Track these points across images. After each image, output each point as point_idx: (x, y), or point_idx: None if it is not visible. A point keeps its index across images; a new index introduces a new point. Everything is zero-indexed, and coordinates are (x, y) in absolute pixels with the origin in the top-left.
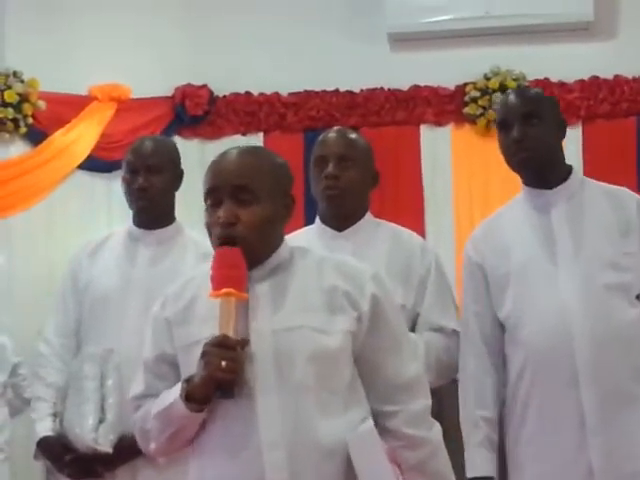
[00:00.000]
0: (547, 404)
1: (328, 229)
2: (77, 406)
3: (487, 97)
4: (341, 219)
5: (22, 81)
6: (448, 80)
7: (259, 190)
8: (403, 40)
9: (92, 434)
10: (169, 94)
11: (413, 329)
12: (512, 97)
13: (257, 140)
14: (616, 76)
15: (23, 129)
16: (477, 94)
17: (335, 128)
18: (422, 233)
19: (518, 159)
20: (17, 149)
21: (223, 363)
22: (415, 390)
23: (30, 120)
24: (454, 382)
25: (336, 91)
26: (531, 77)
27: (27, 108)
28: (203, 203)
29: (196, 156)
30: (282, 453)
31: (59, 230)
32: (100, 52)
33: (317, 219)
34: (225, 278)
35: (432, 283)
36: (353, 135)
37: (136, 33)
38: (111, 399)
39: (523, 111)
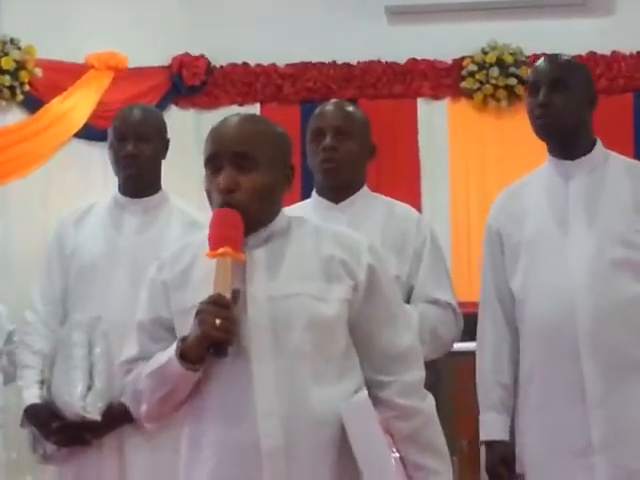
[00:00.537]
0: (549, 376)
1: (324, 201)
2: (65, 374)
3: (484, 71)
4: (337, 191)
5: (19, 48)
6: (445, 54)
7: (260, 157)
8: (401, 13)
9: (80, 402)
10: (166, 64)
11: (407, 301)
12: (544, 62)
13: (253, 111)
14: (613, 52)
15: (20, 96)
16: (474, 68)
17: (332, 101)
18: (418, 206)
19: (540, 124)
20: (14, 116)
21: (217, 321)
22: (409, 361)
23: (27, 87)
24: (450, 355)
25: (333, 63)
26: (528, 52)
27: (24, 75)
28: (198, 173)
29: (192, 126)
30: (277, 420)
31: (56, 198)
32: (98, 20)
33: (314, 192)
34: (222, 238)
35: (427, 256)
36: (350, 108)
37: (135, 2)
38: (99, 366)
39: (552, 77)
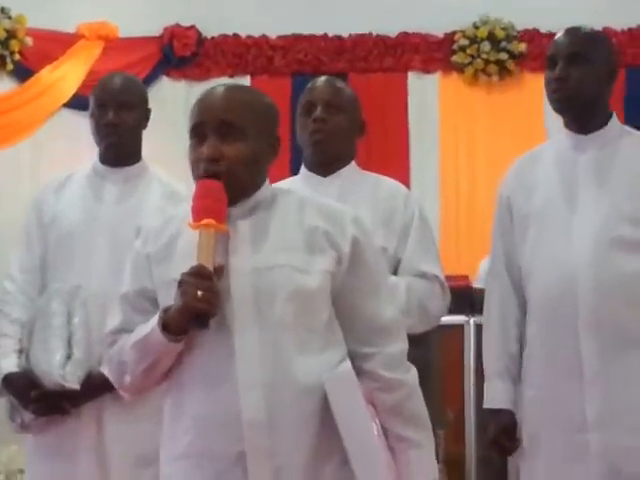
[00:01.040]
0: (548, 351)
1: (313, 175)
2: (44, 342)
3: (475, 46)
4: (326, 164)
5: (9, 17)
6: (437, 28)
7: (245, 127)
8: None
9: (59, 370)
10: (157, 34)
11: (395, 274)
12: (563, 34)
13: (244, 83)
14: (605, 28)
15: (10, 66)
16: (466, 42)
17: (323, 77)
18: (407, 180)
19: (555, 97)
20: (3, 85)
21: (199, 293)
22: (392, 333)
23: (17, 57)
24: (437, 329)
25: (324, 35)
26: (520, 27)
27: (14, 44)
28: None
29: (183, 97)
30: (259, 392)
31: (44, 167)
32: None
33: (302, 167)
34: (206, 209)
35: (415, 230)
36: (341, 84)
37: None
38: (78, 335)
39: (570, 50)
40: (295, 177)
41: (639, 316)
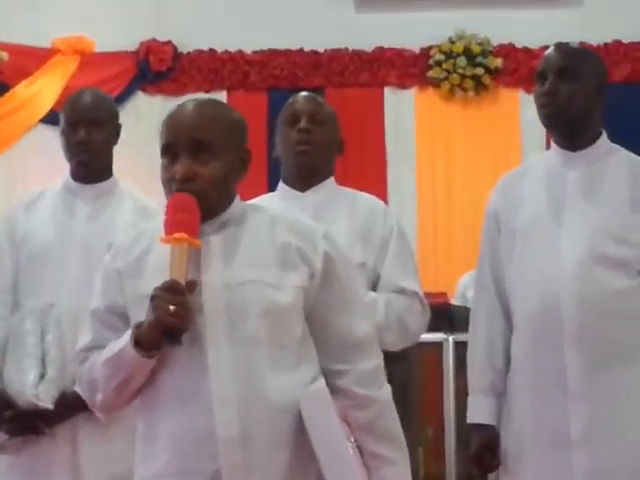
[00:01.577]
0: (534, 366)
1: (291, 190)
2: (17, 362)
3: (451, 61)
4: (306, 177)
5: None
6: (413, 43)
7: (217, 144)
8: (369, 1)
9: (33, 390)
10: (133, 49)
11: (374, 290)
12: (553, 50)
13: (220, 98)
14: (581, 43)
15: None
16: (441, 57)
17: (304, 92)
18: (384, 195)
19: (545, 112)
20: None
21: (171, 308)
22: (365, 349)
23: None
24: (415, 346)
25: (300, 50)
26: (496, 42)
27: None
28: None
29: (159, 112)
30: (233, 409)
31: (19, 183)
32: (64, 4)
33: (280, 182)
34: (178, 223)
35: (394, 245)
36: (321, 99)
37: None
38: (52, 354)
39: (560, 65)
40: (273, 193)
41: (623, 333)
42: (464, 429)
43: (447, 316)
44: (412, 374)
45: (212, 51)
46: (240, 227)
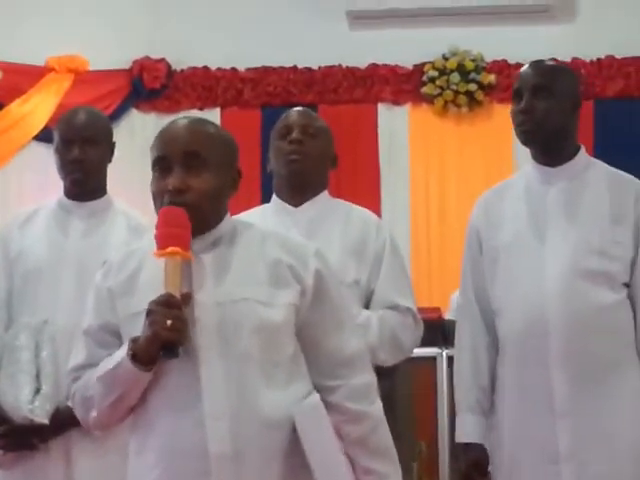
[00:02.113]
0: (520, 385)
1: (284, 204)
2: (11, 377)
3: (445, 77)
4: (298, 190)
5: None
6: (406, 59)
7: (209, 158)
8: (362, 18)
9: (28, 405)
10: (127, 67)
11: (367, 306)
12: (528, 67)
13: (214, 115)
14: (574, 59)
15: None
16: (435, 74)
17: (297, 107)
18: (378, 211)
19: (522, 129)
20: None
21: (168, 322)
22: (357, 365)
23: None
24: (409, 361)
25: (294, 68)
26: (489, 58)
27: None
28: None
29: (153, 130)
30: (225, 424)
31: (13, 200)
32: (58, 23)
33: (274, 195)
34: (170, 237)
35: (387, 260)
36: (315, 114)
37: (95, 5)
38: (46, 370)
39: (534, 82)
40: (266, 205)
41: (608, 347)
42: (457, 445)
43: (441, 331)
44: (406, 389)
45: (206, 69)
46: (231, 245)
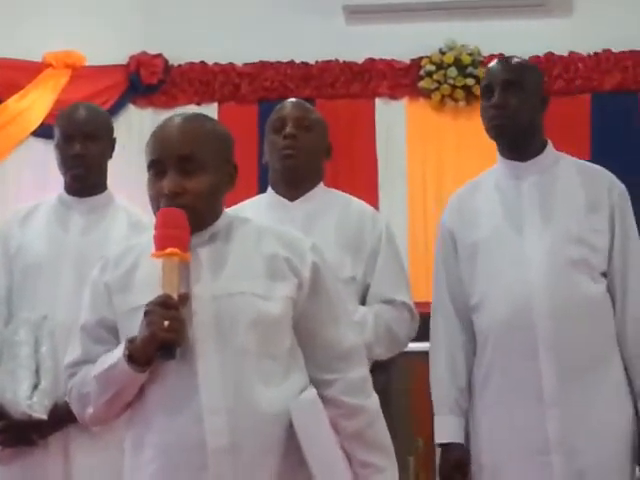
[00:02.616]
0: (507, 377)
1: (280, 198)
2: (10, 372)
3: (442, 71)
4: (294, 184)
5: None
6: (403, 54)
7: (204, 159)
8: (359, 12)
9: (27, 400)
10: (124, 62)
11: (363, 301)
12: (497, 64)
13: (211, 110)
14: (571, 53)
15: None
16: (432, 68)
17: (291, 99)
18: (375, 205)
19: (494, 125)
20: None
21: (166, 323)
22: (353, 359)
23: None
24: (406, 355)
25: (291, 62)
26: (486, 52)
27: None
28: None
29: (150, 125)
30: (222, 418)
31: (11, 196)
32: (55, 18)
33: (269, 188)
34: (168, 238)
35: (383, 254)
36: (309, 106)
37: (92, 1)
38: (45, 365)
39: (505, 78)
40: (261, 196)
41: (595, 336)
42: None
43: None
44: (403, 383)
45: (203, 64)
46: (228, 239)
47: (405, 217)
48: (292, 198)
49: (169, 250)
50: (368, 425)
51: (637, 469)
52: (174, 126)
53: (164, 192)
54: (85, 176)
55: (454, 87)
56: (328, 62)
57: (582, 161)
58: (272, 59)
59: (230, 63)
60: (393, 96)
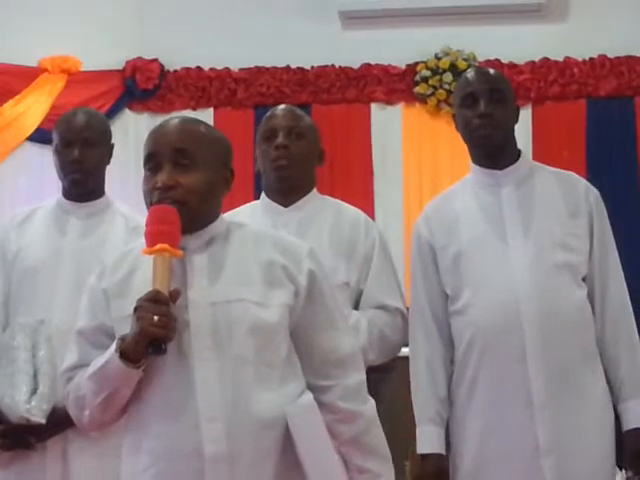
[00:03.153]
0: (495, 382)
1: (273, 204)
2: (8, 377)
3: (438, 77)
4: (287, 193)
5: None
6: (399, 59)
7: (199, 156)
8: (354, 18)
9: (25, 404)
10: (120, 67)
11: (356, 307)
12: (479, 73)
13: (207, 115)
14: (566, 58)
15: None
16: (428, 73)
17: (282, 105)
18: (371, 211)
19: (480, 134)
20: None
21: (155, 318)
22: (350, 365)
23: None
24: (401, 360)
25: (287, 67)
26: (482, 58)
27: None
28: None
29: (146, 130)
30: (220, 425)
31: (7, 201)
32: (51, 24)
33: (262, 194)
34: (159, 234)
35: (376, 260)
36: (300, 112)
37: (88, 6)
38: (43, 370)
39: (490, 87)
40: (255, 203)
41: (582, 340)
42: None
43: None
44: (398, 387)
45: (199, 69)
46: (225, 245)
47: (401, 221)
48: (286, 205)
49: (159, 246)
50: (365, 431)
51: (619, 472)
52: (171, 124)
53: (157, 185)
54: (83, 181)
55: (450, 92)
56: (324, 67)
57: (556, 169)
58: (268, 64)
59: (226, 68)
60: (389, 101)
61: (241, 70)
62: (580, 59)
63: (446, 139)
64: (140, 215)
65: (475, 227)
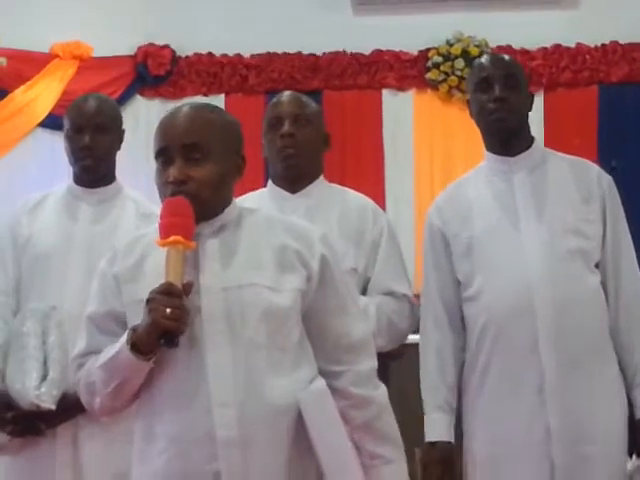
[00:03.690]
0: (507, 368)
1: (281, 191)
2: (19, 363)
3: (449, 63)
4: (295, 180)
5: None
6: (411, 45)
7: (210, 147)
8: (366, 4)
9: (35, 390)
10: (131, 53)
11: (364, 293)
12: (494, 58)
13: (219, 101)
14: (578, 44)
15: None
16: (439, 60)
17: (286, 92)
18: (382, 198)
19: (494, 118)
20: None
21: (168, 310)
22: (362, 351)
23: None
24: (414, 347)
25: (299, 54)
26: (493, 44)
27: None
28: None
29: (157, 116)
30: (232, 410)
31: (19, 186)
32: (62, 10)
33: (269, 181)
34: (173, 226)
35: (384, 247)
36: (304, 97)
37: None
38: (53, 356)
39: (505, 73)
40: (262, 190)
41: (594, 326)
42: (461, 429)
43: None
44: (409, 374)
45: (210, 55)
46: (237, 230)
47: (412, 208)
48: (293, 191)
49: (173, 238)
50: (377, 416)
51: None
52: (181, 115)
53: (169, 180)
54: (94, 167)
55: (461, 78)
56: (336, 53)
57: (570, 156)
58: (280, 50)
59: (237, 54)
60: (400, 87)
61: (253, 56)
62: (592, 45)
63: (457, 125)
64: (150, 202)
65: (489, 215)
